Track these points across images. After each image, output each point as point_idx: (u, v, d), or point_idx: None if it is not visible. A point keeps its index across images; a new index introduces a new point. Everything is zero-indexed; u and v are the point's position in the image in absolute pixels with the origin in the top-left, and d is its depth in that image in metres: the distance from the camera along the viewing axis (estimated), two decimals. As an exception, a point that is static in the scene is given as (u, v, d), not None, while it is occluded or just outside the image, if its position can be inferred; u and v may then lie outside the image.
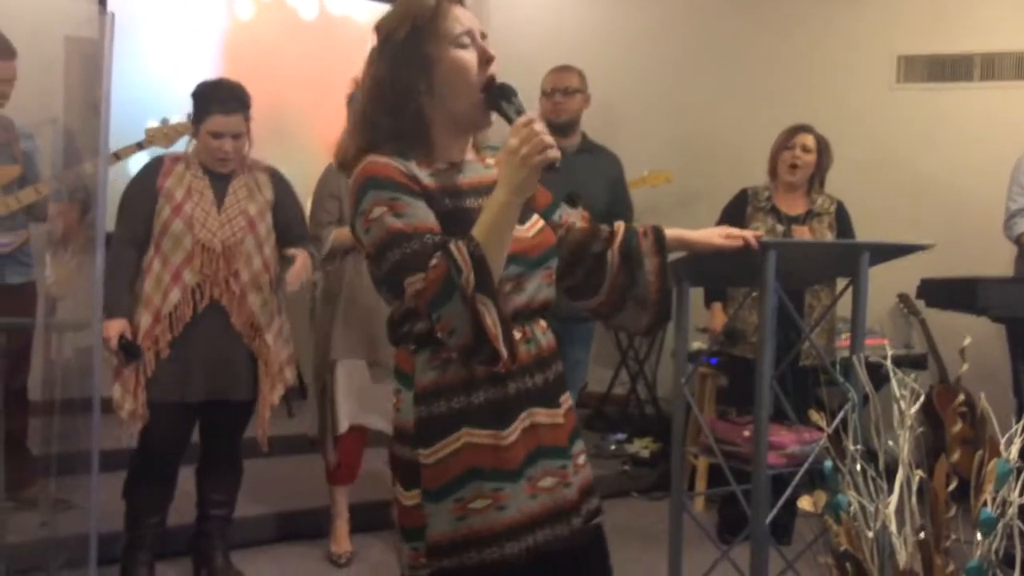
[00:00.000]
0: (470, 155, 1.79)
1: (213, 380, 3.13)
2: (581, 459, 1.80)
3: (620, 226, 1.94)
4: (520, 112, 1.63)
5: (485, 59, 1.70)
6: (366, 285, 3.46)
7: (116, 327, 3.01)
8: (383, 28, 1.74)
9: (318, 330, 3.60)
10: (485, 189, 1.69)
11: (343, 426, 3.50)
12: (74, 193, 3.52)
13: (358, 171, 1.66)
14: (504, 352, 1.55)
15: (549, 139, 1.55)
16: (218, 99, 3.12)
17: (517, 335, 1.66)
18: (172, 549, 3.41)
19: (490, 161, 1.82)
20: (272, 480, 3.99)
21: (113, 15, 3.02)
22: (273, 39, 5.46)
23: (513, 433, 1.66)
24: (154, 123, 3.52)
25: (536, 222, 1.78)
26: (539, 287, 1.74)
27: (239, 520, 3.53)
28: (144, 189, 3.12)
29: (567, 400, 1.80)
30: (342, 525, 3.66)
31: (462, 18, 1.70)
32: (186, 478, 3.35)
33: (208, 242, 3.09)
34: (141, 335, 3.03)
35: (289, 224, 3.32)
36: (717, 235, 2.07)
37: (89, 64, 3.46)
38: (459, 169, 1.74)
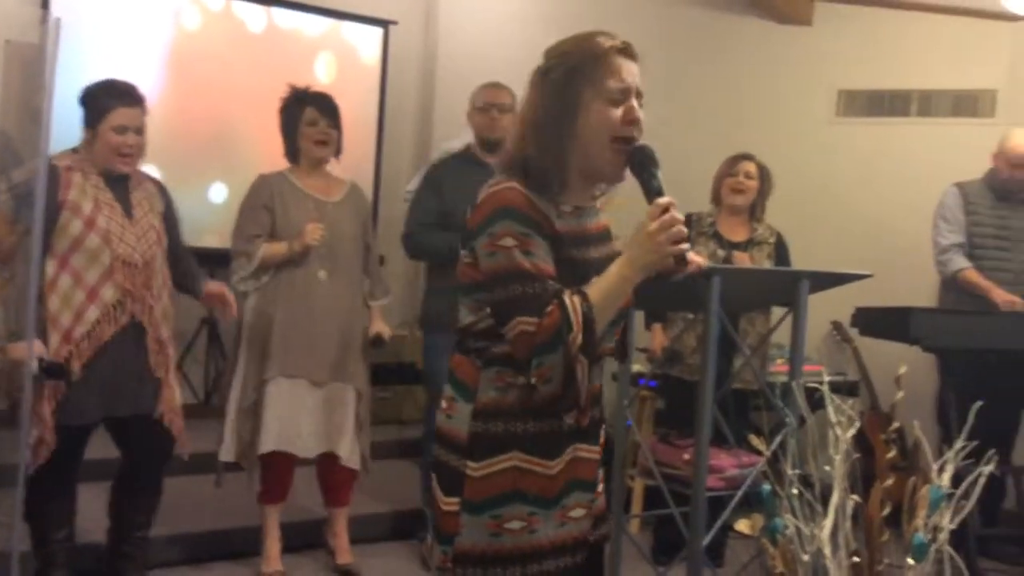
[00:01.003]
0: (593, 201, 1.85)
1: (120, 398, 3.03)
2: (600, 487, 1.89)
3: None
4: (661, 190, 1.68)
5: (628, 119, 1.73)
6: (307, 300, 3.46)
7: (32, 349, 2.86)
8: (548, 58, 1.78)
9: (248, 347, 3.50)
10: (596, 237, 1.80)
11: (267, 447, 3.42)
12: (4, 202, 3.43)
13: (499, 192, 1.70)
14: (583, 408, 1.70)
15: (685, 231, 1.63)
16: (117, 93, 3.05)
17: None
18: (86, 568, 3.31)
19: (598, 205, 1.87)
20: (201, 497, 3.91)
21: (59, 20, 2.95)
22: (220, 50, 5.39)
23: (559, 464, 1.73)
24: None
25: None
26: (609, 339, 1.82)
27: (165, 539, 3.45)
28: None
29: (602, 436, 1.88)
30: (272, 544, 3.58)
31: (623, 73, 1.73)
32: (96, 496, 3.25)
33: (128, 256, 3.00)
34: (50, 356, 2.89)
35: (174, 240, 3.26)
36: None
37: (29, 70, 3.37)
38: (581, 213, 1.79)
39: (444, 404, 1.80)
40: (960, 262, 4.28)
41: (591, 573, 1.89)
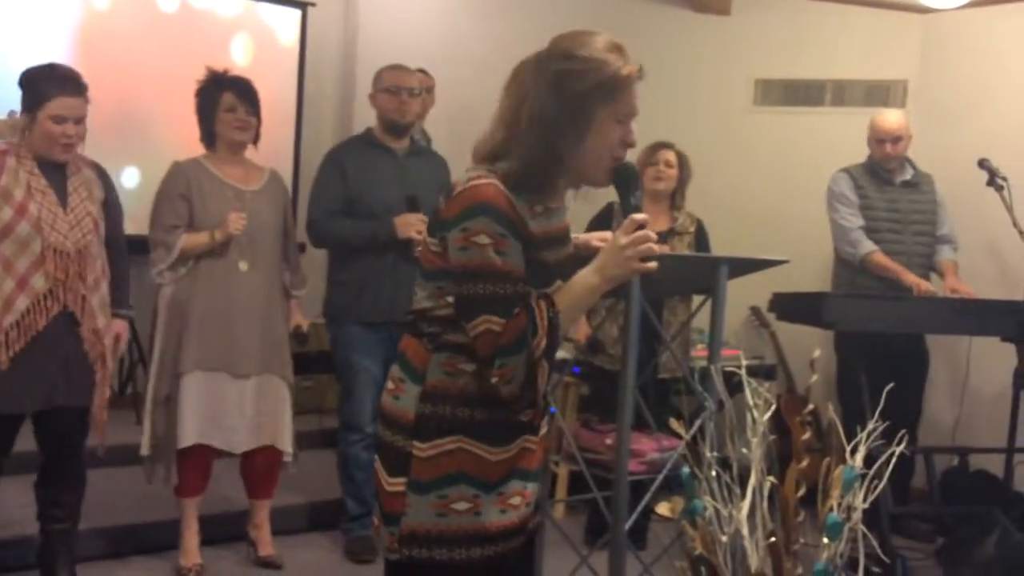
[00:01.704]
0: (562, 201, 1.88)
1: (54, 389, 2.96)
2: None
3: None
4: (639, 207, 1.73)
5: (625, 143, 1.78)
6: (228, 292, 3.38)
7: None
8: (564, 58, 1.74)
9: (164, 339, 3.40)
10: (560, 238, 1.85)
11: (187, 441, 3.34)
12: None
13: (480, 187, 1.68)
14: (539, 409, 1.73)
15: (657, 248, 1.68)
16: (58, 80, 2.94)
17: None
18: (20, 563, 3.24)
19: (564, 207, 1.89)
20: (118, 491, 3.82)
21: (-44, 0, 2.83)
22: (131, 31, 5.23)
23: (503, 453, 1.76)
24: (1, 116, 3.30)
25: None
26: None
27: (86, 532, 3.36)
28: None
29: (545, 426, 1.91)
30: (191, 537, 3.51)
31: (635, 97, 1.77)
32: (19, 489, 3.16)
33: (60, 245, 2.92)
34: None
35: (113, 227, 3.18)
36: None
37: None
38: (551, 214, 1.82)
39: (391, 385, 1.82)
40: (868, 245, 4.35)
41: (524, 559, 1.92)
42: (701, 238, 4.15)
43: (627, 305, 2.44)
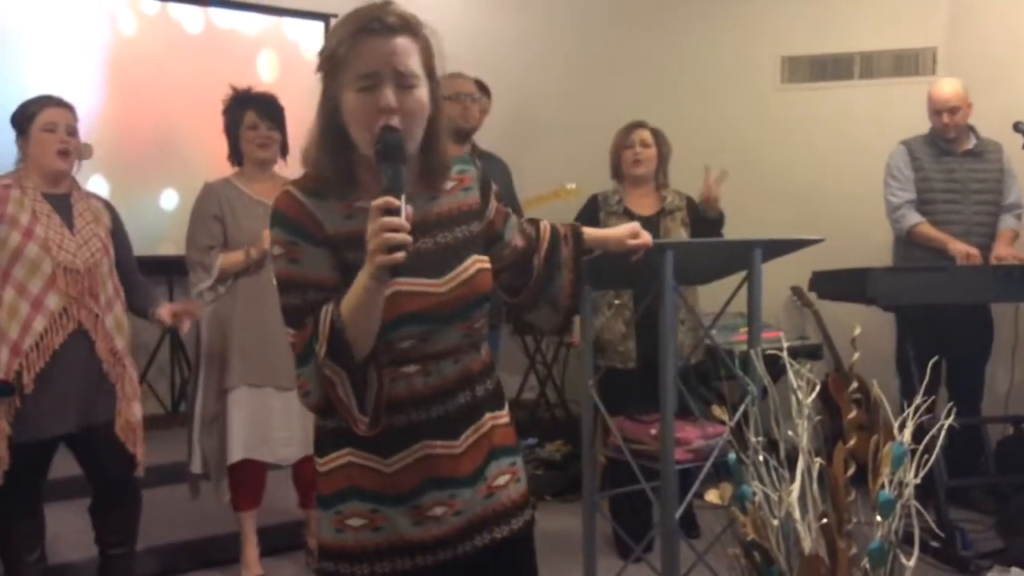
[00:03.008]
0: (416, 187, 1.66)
1: (75, 411, 2.99)
2: (501, 480, 1.76)
3: (546, 231, 1.93)
4: (394, 186, 1.47)
5: (378, 110, 1.54)
6: (266, 307, 3.43)
7: None
8: (321, 51, 1.62)
9: (208, 357, 3.47)
10: (429, 225, 1.64)
11: (235, 456, 3.40)
12: None
13: (276, 197, 1.62)
14: (359, 420, 1.55)
15: (397, 237, 1.42)
16: (41, 99, 3.06)
17: (413, 368, 1.63)
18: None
19: (445, 186, 1.70)
20: (175, 507, 3.88)
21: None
22: (158, 54, 5.31)
23: (399, 462, 1.64)
24: None
25: (465, 270, 1.66)
26: (455, 337, 1.67)
27: (144, 551, 3.42)
28: None
29: (484, 426, 1.72)
30: (251, 550, 3.57)
31: (370, 55, 1.54)
32: (67, 515, 3.22)
33: (70, 263, 2.96)
34: (1, 374, 2.86)
35: (124, 259, 3.22)
36: (627, 234, 2.04)
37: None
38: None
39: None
40: (913, 217, 4.33)
41: (517, 567, 1.81)
42: (695, 212, 3.98)
43: (661, 293, 2.44)
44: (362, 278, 1.48)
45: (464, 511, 1.68)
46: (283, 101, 3.60)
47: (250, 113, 3.48)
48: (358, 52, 1.54)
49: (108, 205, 3.25)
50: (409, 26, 1.59)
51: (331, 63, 1.57)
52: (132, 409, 3.10)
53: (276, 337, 3.41)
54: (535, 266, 1.89)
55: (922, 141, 4.43)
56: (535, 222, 1.95)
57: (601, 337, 3.84)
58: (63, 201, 3.06)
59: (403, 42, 1.57)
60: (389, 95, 1.54)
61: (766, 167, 5.34)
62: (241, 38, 5.57)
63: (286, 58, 5.69)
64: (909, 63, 5.32)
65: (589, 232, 1.98)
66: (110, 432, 3.06)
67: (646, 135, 3.96)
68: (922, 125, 4.49)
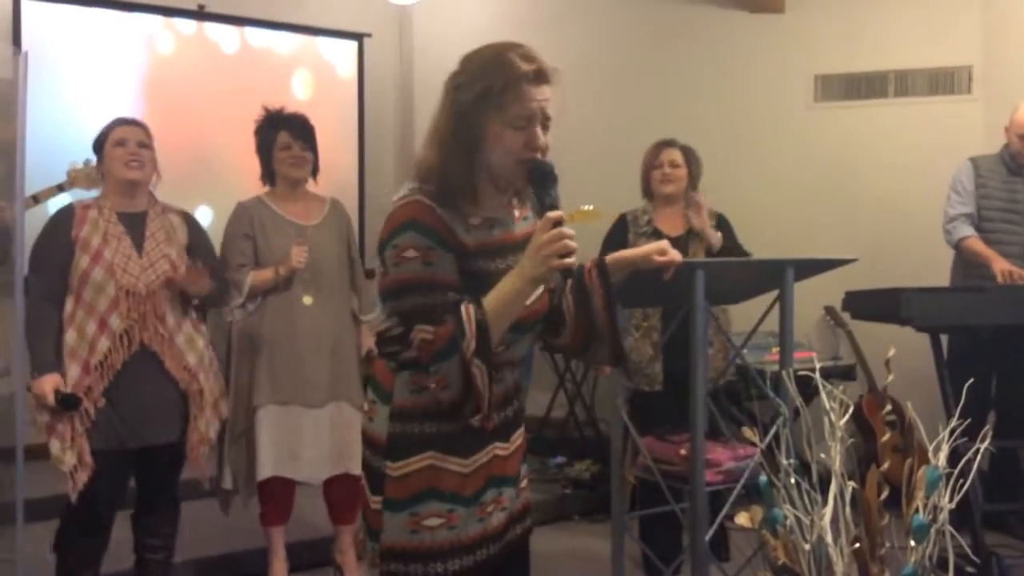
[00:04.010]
0: (508, 210, 1.89)
1: (148, 425, 3.04)
2: (523, 483, 1.98)
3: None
4: (555, 205, 1.71)
5: (530, 146, 1.77)
6: (295, 325, 3.45)
7: (50, 382, 2.92)
8: (460, 74, 1.80)
9: (237, 374, 3.49)
10: (512, 247, 1.84)
11: (264, 473, 3.42)
12: None
13: (405, 205, 1.76)
14: (488, 412, 1.72)
15: (573, 244, 1.66)
16: (114, 120, 3.17)
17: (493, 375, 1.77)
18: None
19: (527, 214, 1.93)
20: (207, 522, 3.90)
21: (27, 54, 2.96)
22: (195, 73, 5.39)
23: (474, 463, 1.81)
24: (77, 164, 3.42)
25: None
26: (523, 346, 1.90)
27: (177, 564, 3.44)
28: (58, 242, 3.03)
29: (520, 432, 1.97)
30: (279, 565, 3.58)
31: (528, 100, 1.75)
32: (123, 521, 3.24)
33: (132, 287, 3.03)
34: (71, 388, 2.94)
35: (206, 264, 3.23)
36: (654, 251, 2.06)
37: (2, 105, 3.38)
38: (493, 224, 1.85)
39: (366, 407, 1.89)
40: (964, 230, 4.30)
41: (515, 571, 1.97)
42: (726, 231, 3.92)
43: (692, 313, 2.42)
44: (516, 283, 1.70)
45: (508, 507, 1.90)
46: (317, 119, 3.63)
47: (283, 134, 3.51)
48: (518, 95, 1.75)
49: (187, 218, 3.30)
50: (555, 77, 1.81)
51: (484, 96, 1.75)
52: (206, 425, 3.15)
53: (304, 355, 3.45)
54: (564, 303, 1.99)
55: (992, 159, 4.41)
56: None
57: (629, 359, 3.79)
58: (138, 220, 3.13)
59: (550, 91, 1.80)
60: (542, 136, 1.78)
61: (799, 187, 5.31)
62: (276, 57, 5.64)
63: (320, 77, 5.75)
64: (945, 81, 5.27)
65: (613, 257, 2.02)
66: (171, 448, 3.11)
67: (675, 154, 3.91)
68: (958, 143, 4.45)
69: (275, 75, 5.56)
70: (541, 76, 1.77)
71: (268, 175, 3.59)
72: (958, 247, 4.32)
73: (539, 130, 1.77)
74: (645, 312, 3.79)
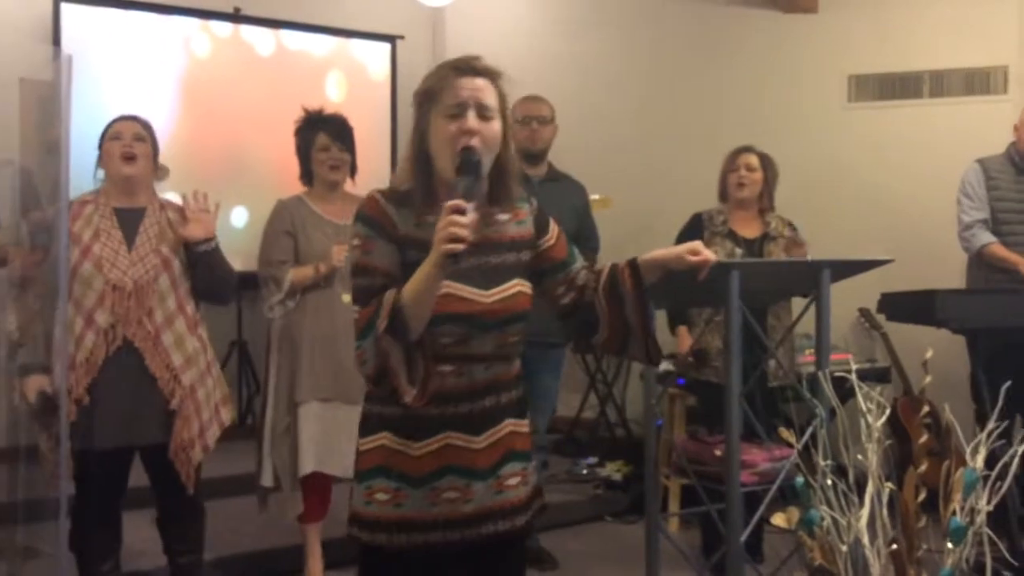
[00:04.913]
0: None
1: (127, 426, 3.01)
2: (512, 482, 2.00)
3: (605, 268, 2.06)
4: (468, 193, 1.77)
5: (462, 130, 1.87)
6: (335, 322, 3.49)
7: (35, 383, 2.92)
8: (418, 89, 1.97)
9: (278, 371, 3.53)
10: (490, 247, 1.93)
11: (306, 469, 3.45)
12: (35, 236, 3.47)
13: (363, 199, 1.96)
14: (405, 388, 1.80)
15: (460, 231, 1.71)
16: (116, 118, 3.17)
17: (449, 368, 1.88)
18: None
19: (523, 218, 2.02)
20: (242, 519, 3.95)
21: (70, 57, 3.00)
22: (231, 75, 5.46)
23: (424, 448, 1.91)
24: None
25: (507, 289, 1.93)
26: (489, 345, 1.92)
27: (211, 561, 3.48)
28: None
29: (503, 429, 1.98)
30: (315, 563, 3.61)
31: (456, 88, 1.89)
32: (139, 524, 3.28)
33: (119, 282, 3.00)
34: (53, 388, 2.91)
35: None
36: (686, 251, 2.05)
37: (45, 106, 3.43)
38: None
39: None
40: (984, 237, 4.24)
41: (509, 566, 2.06)
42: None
43: (727, 314, 2.43)
44: (425, 267, 1.77)
45: (475, 500, 1.94)
46: (351, 120, 3.66)
47: (322, 135, 3.55)
48: (449, 87, 1.89)
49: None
50: (491, 72, 1.94)
51: (425, 97, 1.92)
52: (189, 427, 3.07)
53: (345, 351, 3.47)
54: (597, 303, 2.02)
55: (1000, 159, 4.34)
56: (593, 263, 2.08)
57: (698, 350, 3.88)
58: (134, 215, 3.12)
59: (485, 83, 1.92)
60: (472, 119, 1.88)
61: (833, 188, 5.29)
62: (310, 59, 5.69)
63: (354, 78, 5.79)
64: (980, 81, 5.22)
65: (645, 257, 2.03)
66: (165, 453, 3.07)
67: (752, 159, 4.02)
68: (994, 144, 4.41)
69: (309, 77, 5.61)
70: (468, 67, 1.91)
71: (306, 176, 3.63)
72: (980, 255, 4.25)
73: (472, 116, 1.87)
74: None
